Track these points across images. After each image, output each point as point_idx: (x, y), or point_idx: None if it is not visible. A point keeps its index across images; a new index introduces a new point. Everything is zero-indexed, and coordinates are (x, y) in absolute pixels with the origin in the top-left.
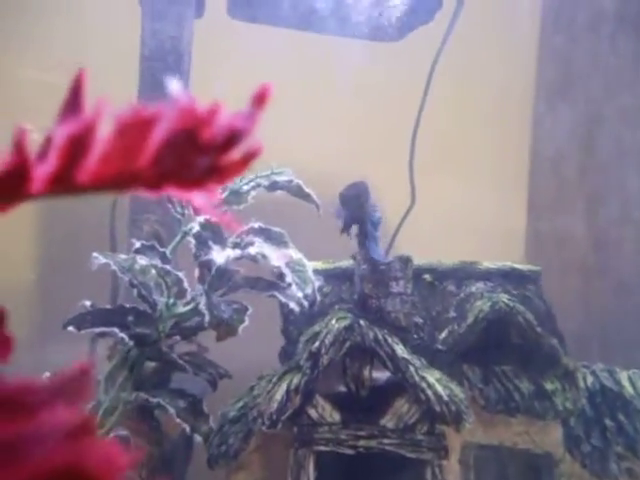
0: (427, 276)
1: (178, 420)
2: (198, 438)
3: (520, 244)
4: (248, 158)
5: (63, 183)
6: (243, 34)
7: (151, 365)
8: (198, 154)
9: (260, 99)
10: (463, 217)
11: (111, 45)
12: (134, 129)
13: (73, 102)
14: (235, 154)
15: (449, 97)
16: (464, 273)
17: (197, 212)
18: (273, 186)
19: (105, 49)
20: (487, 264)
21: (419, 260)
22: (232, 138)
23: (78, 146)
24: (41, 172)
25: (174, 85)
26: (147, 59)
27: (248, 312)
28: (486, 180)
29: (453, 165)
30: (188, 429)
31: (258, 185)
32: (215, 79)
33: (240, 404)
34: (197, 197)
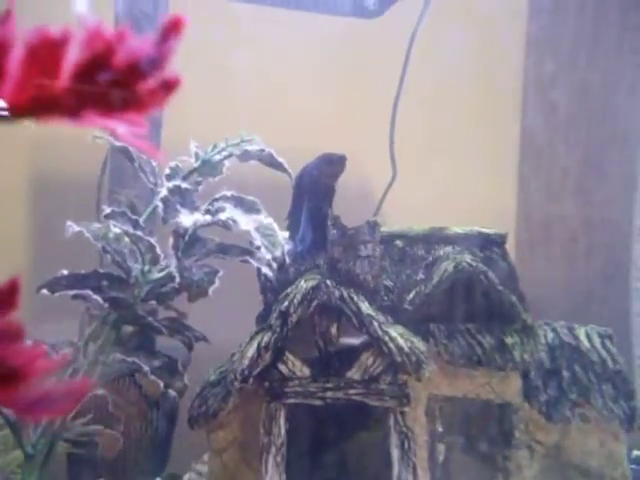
0: (398, 242)
1: (152, 377)
2: (172, 393)
3: (510, 224)
4: (166, 88)
5: None
6: (227, 12)
7: (129, 329)
8: (112, 80)
9: (171, 28)
10: (449, 196)
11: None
12: (44, 50)
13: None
14: (152, 83)
15: (432, 73)
16: (434, 238)
17: (119, 140)
18: (245, 156)
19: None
20: (455, 229)
21: (391, 227)
22: (143, 64)
23: None
24: None
25: (81, 8)
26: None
27: (218, 274)
28: (474, 159)
29: (437, 142)
30: (162, 385)
31: (230, 155)
32: (199, 58)
33: (221, 369)
34: (119, 126)
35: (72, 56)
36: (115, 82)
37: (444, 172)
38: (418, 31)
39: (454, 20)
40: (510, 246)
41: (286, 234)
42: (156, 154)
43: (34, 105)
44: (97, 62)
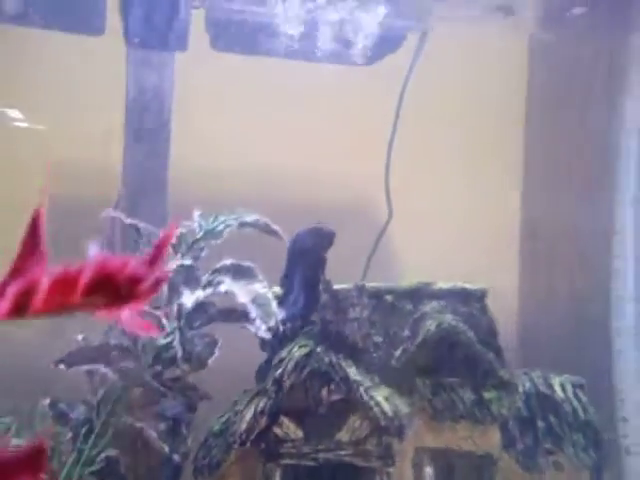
0: (388, 297)
1: (158, 444)
2: (176, 458)
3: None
4: (157, 284)
5: (18, 315)
6: (225, 65)
7: (138, 390)
8: (117, 289)
9: (161, 246)
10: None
11: (97, 91)
12: (65, 279)
13: (32, 240)
14: (147, 283)
15: (429, 108)
16: (420, 293)
17: (124, 326)
18: (242, 225)
19: (92, 94)
20: (440, 285)
21: (379, 283)
22: (140, 277)
23: (27, 294)
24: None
25: (93, 249)
26: (132, 103)
27: (218, 345)
28: (474, 196)
29: (431, 177)
30: (167, 450)
31: (229, 225)
32: (199, 108)
33: (224, 419)
34: (123, 315)
35: (84, 278)
36: (119, 290)
37: (444, 208)
38: (410, 77)
39: (450, 56)
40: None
41: (279, 291)
42: (152, 329)
43: (58, 310)
44: (105, 280)
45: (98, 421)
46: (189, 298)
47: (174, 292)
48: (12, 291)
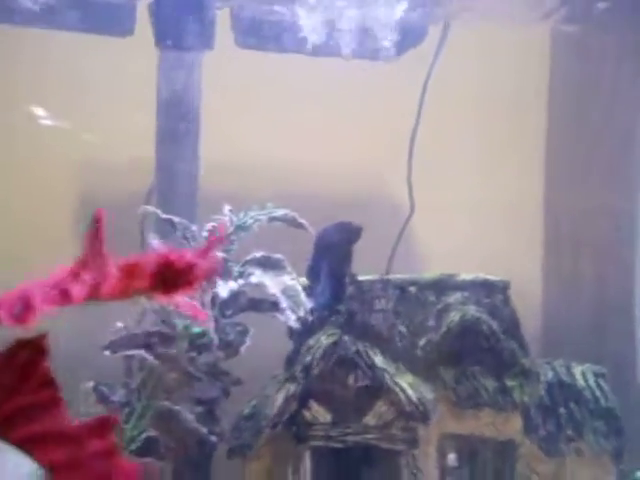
0: (412, 288)
1: (194, 426)
2: (213, 439)
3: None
4: (210, 272)
5: (92, 298)
6: (250, 62)
7: (175, 375)
8: (176, 276)
9: (213, 242)
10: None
11: (126, 91)
12: (133, 267)
13: (93, 241)
14: (199, 270)
15: (452, 102)
16: (443, 284)
17: (177, 308)
18: (272, 219)
19: (121, 95)
20: (463, 276)
21: (404, 274)
22: (195, 267)
23: (100, 280)
24: (77, 292)
25: (154, 242)
26: (163, 103)
27: (249, 334)
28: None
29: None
30: (204, 431)
31: (259, 220)
32: (227, 107)
33: (253, 402)
34: (179, 299)
35: (149, 268)
36: (178, 276)
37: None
38: (434, 69)
39: (472, 47)
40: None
41: (306, 282)
42: (200, 314)
43: (126, 294)
44: (167, 268)
45: (139, 404)
46: (223, 288)
47: (209, 282)
48: (88, 277)
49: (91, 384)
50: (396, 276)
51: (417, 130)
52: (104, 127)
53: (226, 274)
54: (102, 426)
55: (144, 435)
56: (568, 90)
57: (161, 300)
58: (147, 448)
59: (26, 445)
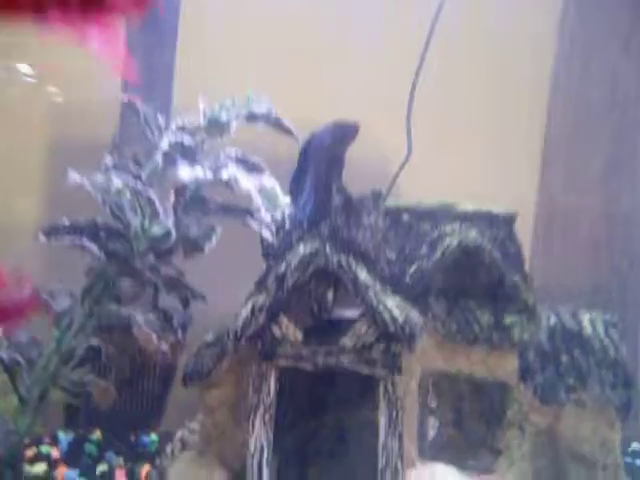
0: (405, 215)
1: (146, 329)
2: (164, 346)
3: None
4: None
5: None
6: None
7: (127, 284)
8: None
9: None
10: (464, 179)
11: None
12: None
13: None
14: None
15: (455, 48)
16: (442, 214)
17: (94, 52)
18: (252, 117)
19: None
20: (465, 206)
21: (398, 200)
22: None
23: None
24: None
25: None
26: None
27: (216, 232)
28: (493, 142)
29: (453, 120)
30: (155, 338)
31: (237, 115)
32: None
33: (217, 331)
34: (93, 37)
35: None
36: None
37: (461, 153)
38: (437, 20)
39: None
40: (527, 230)
41: (288, 198)
42: (130, 72)
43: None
44: None
45: (82, 309)
46: (186, 172)
47: (169, 164)
48: None
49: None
50: (389, 202)
51: (417, 78)
52: None
53: (191, 160)
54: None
55: (85, 345)
56: (573, 65)
57: (69, 31)
58: (88, 359)
59: None
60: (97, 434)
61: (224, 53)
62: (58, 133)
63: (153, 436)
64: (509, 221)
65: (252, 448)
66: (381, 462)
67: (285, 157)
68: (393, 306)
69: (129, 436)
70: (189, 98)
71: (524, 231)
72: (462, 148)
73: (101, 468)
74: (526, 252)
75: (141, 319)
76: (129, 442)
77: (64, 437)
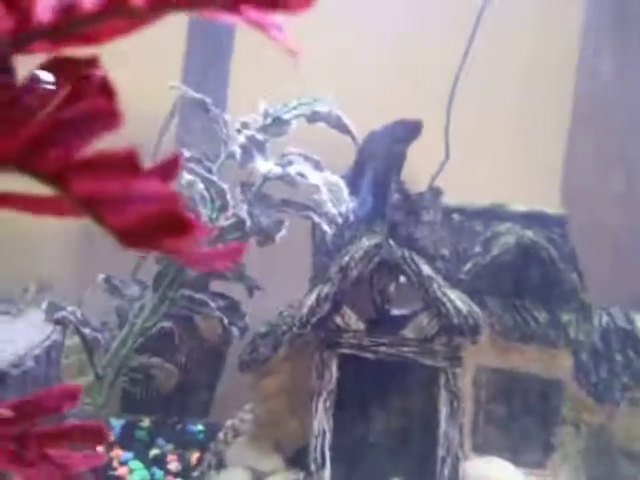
0: (456, 215)
1: (218, 314)
2: (235, 331)
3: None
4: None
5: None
6: None
7: (194, 273)
8: None
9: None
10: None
11: None
12: None
13: None
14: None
15: (492, 54)
16: (493, 214)
17: (272, 39)
18: (314, 116)
19: None
20: (516, 207)
21: (450, 200)
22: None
23: None
24: None
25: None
26: None
27: (285, 223)
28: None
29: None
30: (226, 321)
31: (300, 114)
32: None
33: (270, 323)
34: (272, 27)
35: None
36: None
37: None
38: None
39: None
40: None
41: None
42: (299, 51)
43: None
44: None
45: (155, 294)
46: (264, 165)
47: (247, 157)
48: None
49: (102, 276)
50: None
51: (457, 81)
52: None
53: (263, 155)
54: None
55: (158, 325)
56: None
57: (248, 19)
58: (160, 340)
59: (76, 167)
60: (146, 422)
61: (277, 61)
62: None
63: (200, 426)
64: (562, 222)
65: (315, 432)
66: (442, 451)
67: (338, 158)
68: (456, 299)
69: (176, 425)
70: (242, 104)
71: None
72: (492, 151)
73: (154, 452)
74: None
75: (212, 303)
76: (176, 431)
77: (116, 422)
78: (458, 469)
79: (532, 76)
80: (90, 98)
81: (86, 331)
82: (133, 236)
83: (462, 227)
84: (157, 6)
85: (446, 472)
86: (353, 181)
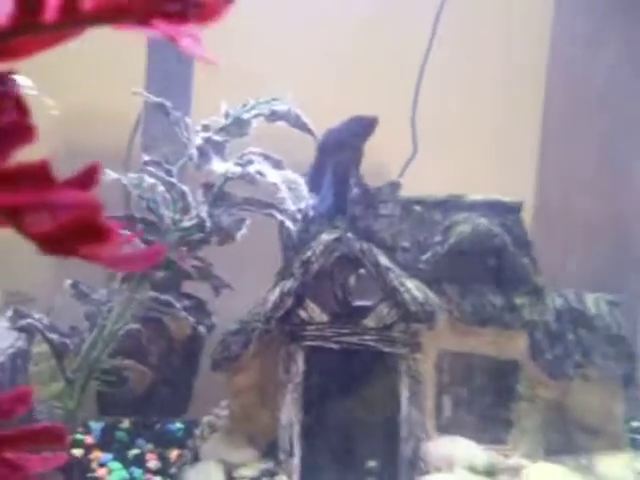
0: (417, 207)
1: (183, 314)
2: (202, 329)
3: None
4: (221, 3)
5: (71, 14)
6: None
7: (161, 274)
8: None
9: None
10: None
11: None
12: None
13: None
14: None
15: (458, 42)
16: (451, 204)
17: (183, 50)
18: (273, 115)
19: None
20: (473, 196)
21: (410, 192)
22: None
23: None
24: (52, 2)
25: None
26: None
27: (246, 222)
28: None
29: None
30: (192, 321)
31: (259, 114)
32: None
33: (241, 321)
34: (183, 39)
35: None
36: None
37: (463, 153)
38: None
39: None
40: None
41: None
42: (216, 60)
43: (112, 12)
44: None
45: (122, 298)
46: (220, 166)
47: (203, 158)
48: None
49: (69, 282)
50: (400, 195)
51: (423, 73)
52: None
53: (221, 156)
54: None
55: (126, 327)
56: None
57: (158, 28)
58: (129, 343)
59: None
60: (126, 423)
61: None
62: (62, 144)
63: (178, 424)
64: (516, 209)
65: (283, 423)
66: (404, 432)
67: (300, 157)
68: (413, 287)
69: (155, 424)
70: (206, 106)
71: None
72: (463, 144)
73: (133, 452)
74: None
75: (177, 304)
76: (156, 430)
77: (96, 425)
78: (419, 449)
79: (504, 65)
80: (5, 114)
81: (54, 337)
82: (52, 243)
83: (422, 218)
84: (68, 22)
85: (409, 452)
86: (314, 178)
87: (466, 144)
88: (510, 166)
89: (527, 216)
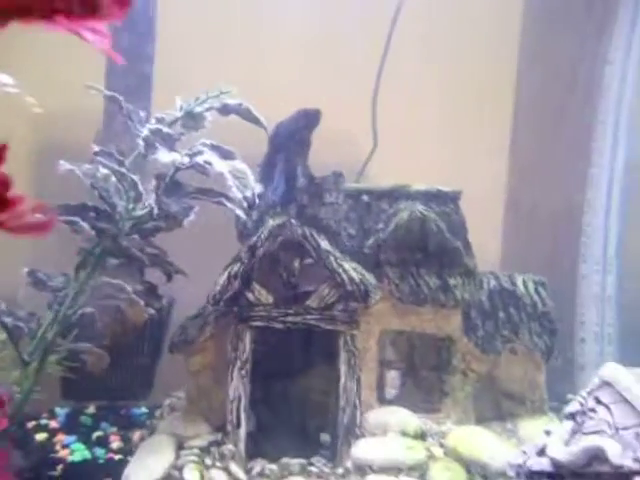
0: (365, 197)
1: (133, 296)
2: (151, 311)
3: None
4: (121, 3)
5: None
6: None
7: (114, 262)
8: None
9: None
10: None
11: None
12: None
13: None
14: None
15: (419, 35)
16: (397, 194)
17: (91, 44)
18: (225, 109)
19: None
20: (416, 187)
21: (358, 183)
22: None
23: None
24: None
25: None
26: None
27: (194, 209)
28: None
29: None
30: (142, 303)
31: (211, 107)
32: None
33: (201, 307)
34: (87, 34)
35: None
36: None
37: (430, 149)
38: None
39: None
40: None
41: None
42: (116, 57)
43: (16, 10)
44: None
45: (76, 284)
46: (166, 156)
47: (150, 149)
48: None
49: (26, 270)
50: (350, 185)
51: (382, 69)
52: None
53: (170, 147)
54: None
55: (79, 312)
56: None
57: (62, 27)
58: (83, 326)
59: None
60: (92, 408)
61: (197, 54)
62: (40, 142)
63: (143, 408)
64: (455, 198)
65: (231, 397)
66: (342, 402)
67: (254, 149)
68: (350, 269)
69: (120, 409)
70: (166, 102)
71: (496, 217)
72: (429, 137)
73: (97, 434)
74: (498, 236)
75: (130, 289)
76: (121, 414)
77: (61, 410)
78: (356, 416)
79: (473, 59)
80: None
81: (8, 320)
82: None
83: (370, 207)
84: None
85: (345, 420)
86: (267, 169)
87: (438, 139)
88: (482, 160)
89: (498, 208)
